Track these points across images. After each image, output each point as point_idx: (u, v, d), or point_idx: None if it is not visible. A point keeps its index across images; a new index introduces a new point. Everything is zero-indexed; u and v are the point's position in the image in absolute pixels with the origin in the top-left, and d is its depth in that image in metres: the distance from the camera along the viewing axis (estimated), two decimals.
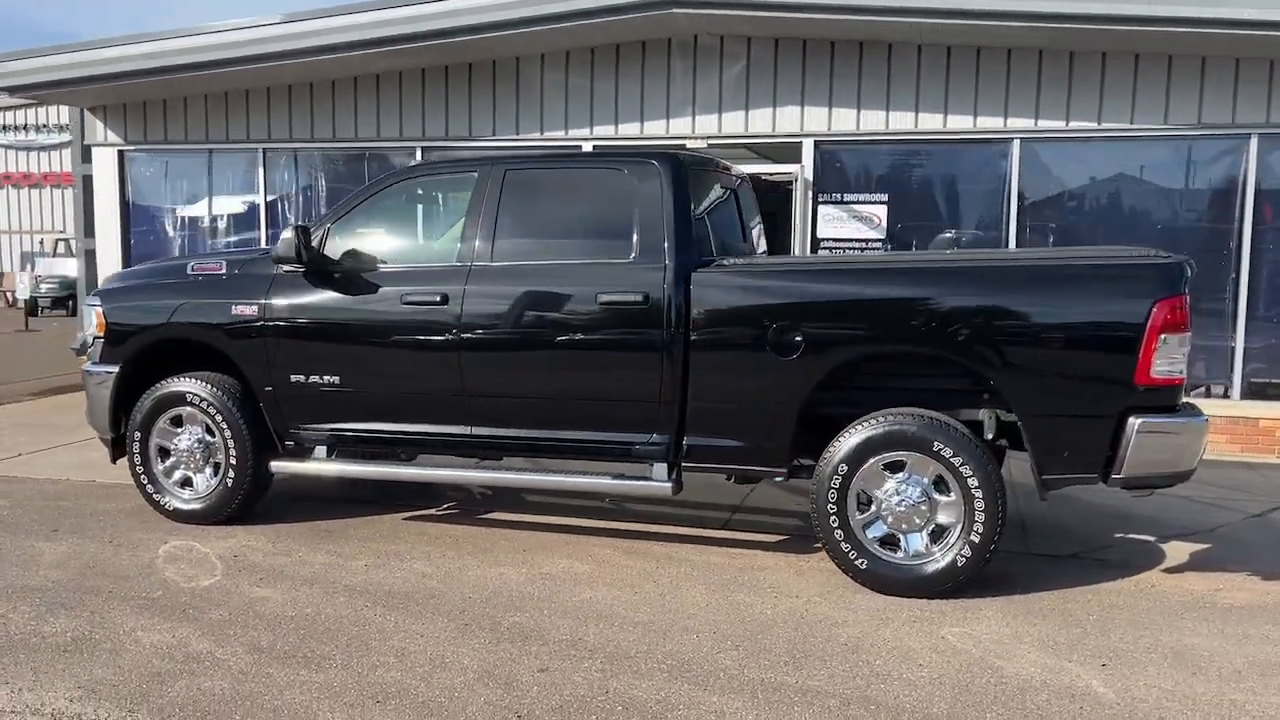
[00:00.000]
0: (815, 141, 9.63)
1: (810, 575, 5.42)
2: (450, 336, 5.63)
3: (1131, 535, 6.30)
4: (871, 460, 5.09)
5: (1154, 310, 4.75)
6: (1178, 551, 5.98)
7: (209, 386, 6.14)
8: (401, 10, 9.48)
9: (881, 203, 9.61)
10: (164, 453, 6.32)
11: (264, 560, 5.63)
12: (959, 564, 5.02)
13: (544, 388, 5.61)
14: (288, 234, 5.68)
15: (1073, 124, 9.07)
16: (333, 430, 6.02)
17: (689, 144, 9.89)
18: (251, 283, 6.05)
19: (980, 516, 4.97)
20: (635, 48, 9.94)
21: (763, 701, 3.94)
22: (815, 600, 5.06)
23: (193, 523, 6.27)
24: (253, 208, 11.27)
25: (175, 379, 6.22)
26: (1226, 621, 4.84)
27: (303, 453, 6.18)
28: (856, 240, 9.65)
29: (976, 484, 4.95)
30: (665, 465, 5.47)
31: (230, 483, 6.18)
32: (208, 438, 6.21)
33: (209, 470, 6.26)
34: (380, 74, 10.60)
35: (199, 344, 6.21)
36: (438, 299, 5.66)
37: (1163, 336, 4.75)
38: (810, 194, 9.67)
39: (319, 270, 5.87)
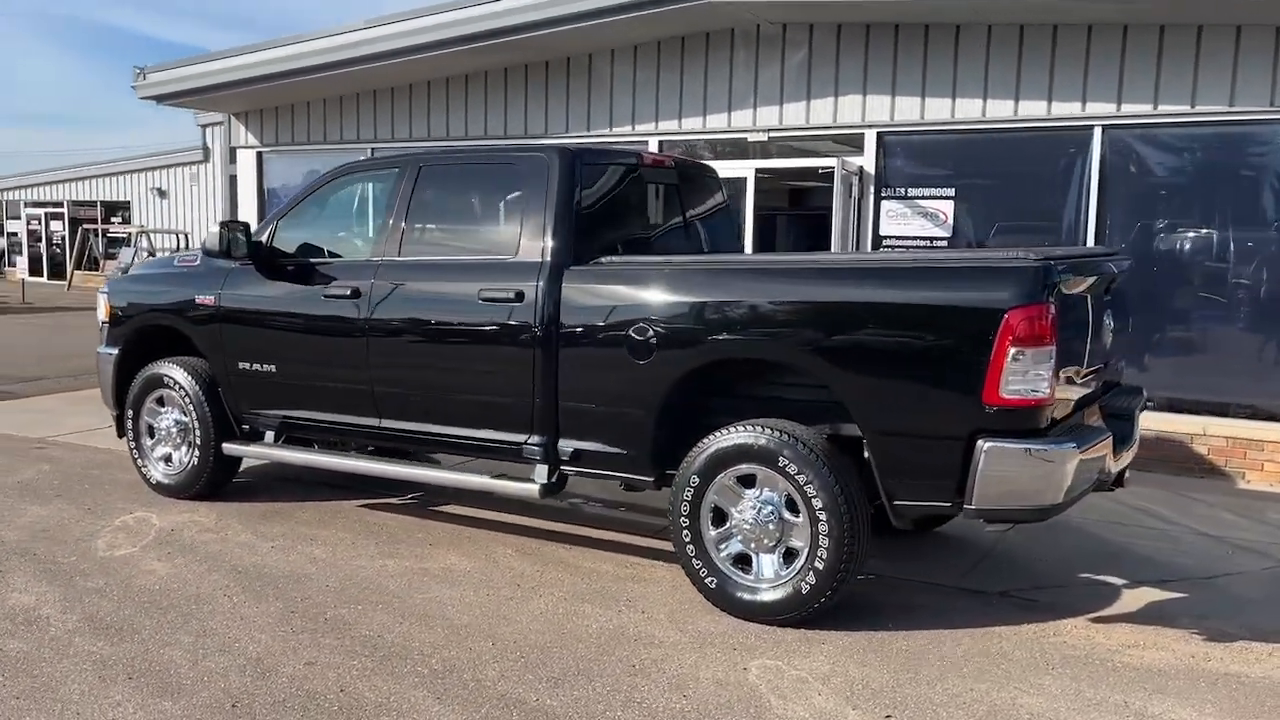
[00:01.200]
0: (878, 133, 9.05)
1: (684, 591, 5.13)
2: (359, 330, 5.77)
3: (1102, 576, 5.52)
4: (724, 473, 4.77)
5: (1005, 320, 4.15)
6: (1136, 599, 5.20)
7: (182, 371, 6.60)
8: (472, 10, 9.70)
9: (947, 198, 8.90)
10: (151, 430, 6.84)
11: (192, 535, 5.99)
12: (803, 591, 4.61)
13: (439, 385, 5.64)
14: (214, 229, 6.00)
15: (1162, 108, 8.03)
16: (274, 417, 6.31)
17: (750, 137, 9.58)
18: (213, 275, 6.44)
19: (825, 541, 4.53)
20: (699, 40, 9.72)
21: (478, 716, 3.80)
22: (656, 618, 4.80)
23: (170, 496, 6.76)
24: None
25: (160, 363, 6.72)
26: (1099, 684, 4.17)
27: (256, 437, 6.51)
28: (921, 238, 8.99)
29: (821, 505, 4.52)
30: (546, 467, 5.35)
31: (197, 461, 6.62)
32: (182, 418, 6.67)
33: (185, 449, 6.72)
34: (469, 75, 10.94)
35: (179, 331, 6.67)
36: (348, 293, 5.80)
37: (1015, 351, 4.14)
38: (872, 189, 9.09)
39: (263, 264, 6.16)
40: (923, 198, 9.00)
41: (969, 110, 8.63)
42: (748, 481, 4.75)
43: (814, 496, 4.52)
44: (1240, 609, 5.08)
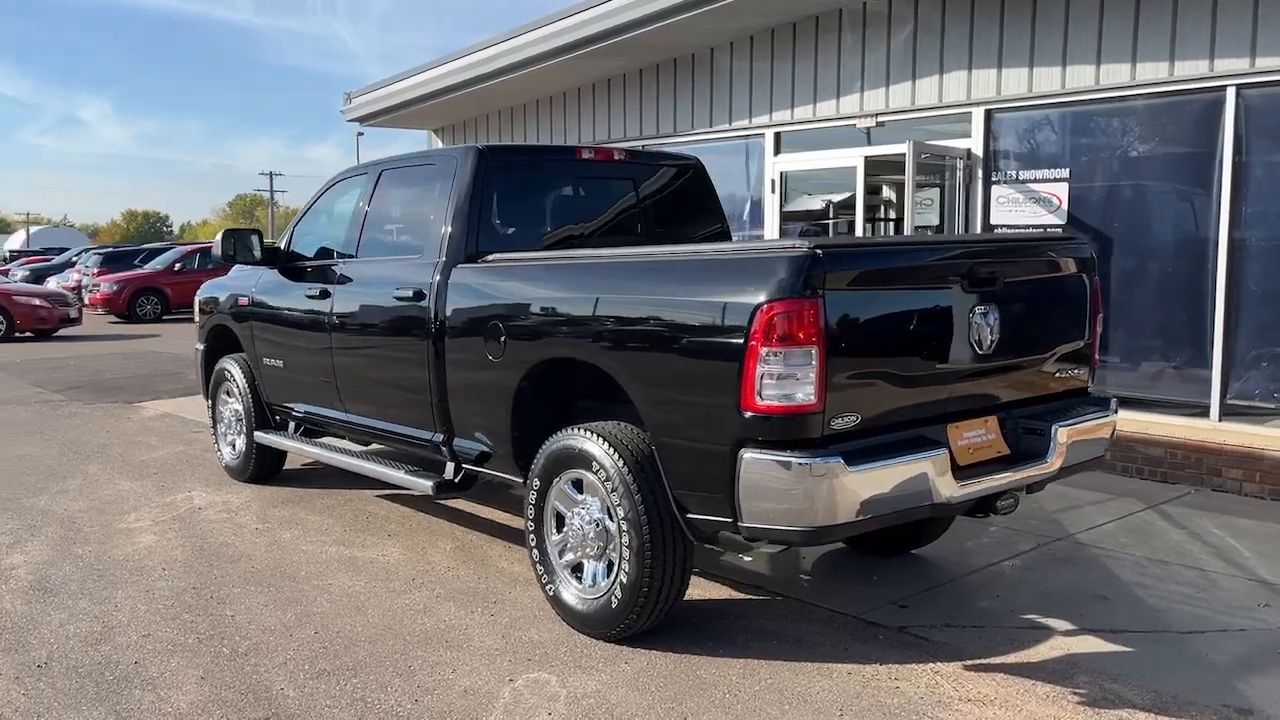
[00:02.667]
0: (986, 111, 8.16)
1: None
2: (326, 328, 6.13)
3: (1050, 619, 4.69)
4: (560, 477, 4.59)
5: (755, 318, 3.67)
6: (1053, 649, 4.38)
7: (235, 365, 7.32)
8: (588, 13, 9.85)
9: (1060, 180, 7.86)
10: (223, 418, 7.65)
11: (208, 515, 6.64)
12: (612, 606, 4.34)
13: (376, 381, 5.86)
14: (218, 236, 6.60)
15: None
16: (289, 409, 6.84)
17: (858, 124, 9.00)
18: (250, 278, 7.09)
19: (627, 554, 4.25)
20: (809, 24, 9.26)
21: (217, 697, 3.97)
22: (497, 624, 4.72)
23: (234, 478, 7.52)
24: None
25: (225, 358, 7.49)
26: None
27: (283, 427, 7.09)
28: (1034, 226, 8.00)
29: (623, 515, 4.25)
30: (452, 465, 5.42)
31: (244, 448, 7.32)
32: (237, 408, 7.41)
33: (241, 436, 7.45)
34: (611, 79, 11.10)
35: (230, 328, 7.39)
36: (318, 293, 6.18)
37: (766, 352, 3.65)
38: (981, 173, 8.22)
39: (273, 266, 6.71)
40: (1034, 181, 8.00)
41: (1081, 78, 7.56)
42: (580, 486, 4.55)
43: (617, 505, 4.25)
44: (1178, 673, 4.13)
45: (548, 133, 11.88)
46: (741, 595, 5.10)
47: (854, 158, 9.02)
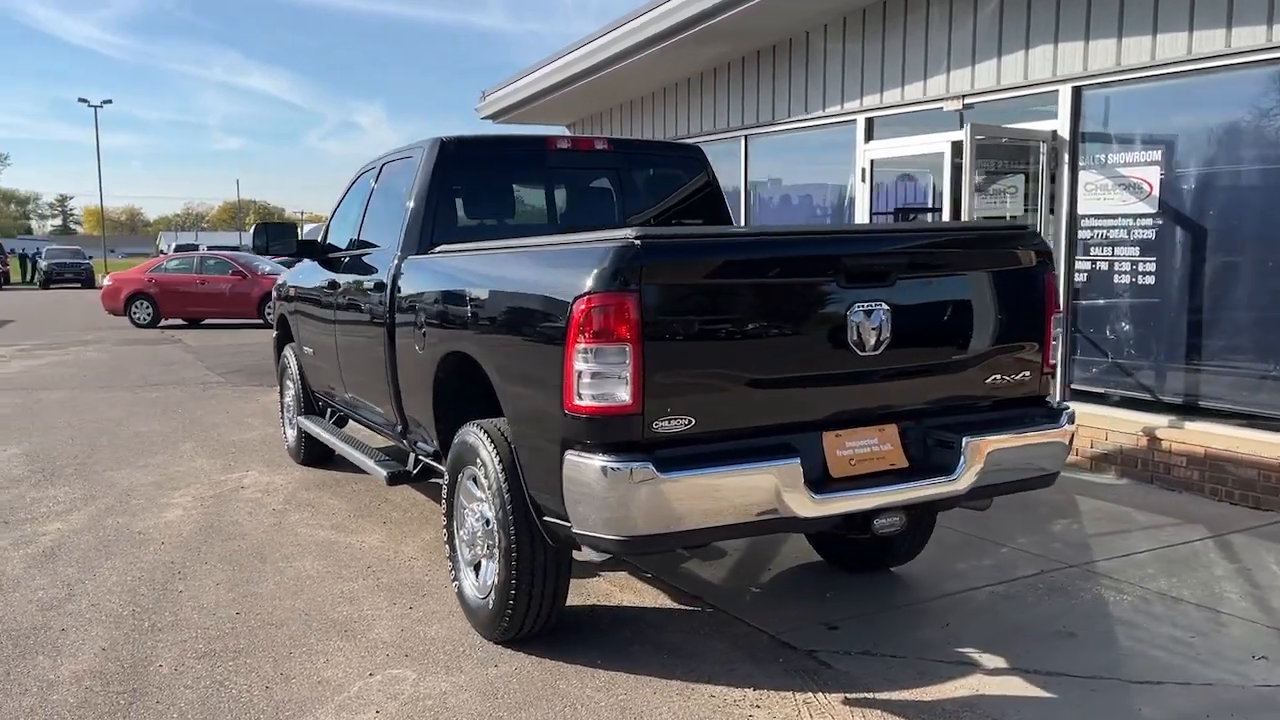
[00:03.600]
0: (1073, 88, 7.41)
1: None
2: (331, 318, 6.34)
3: (986, 655, 4.20)
4: (462, 472, 4.53)
5: (571, 312, 3.46)
6: (958, 689, 3.91)
7: (291, 353, 7.70)
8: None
9: (1151, 163, 7.03)
10: (284, 403, 8.08)
11: (247, 494, 7.01)
12: (490, 607, 4.25)
13: (359, 370, 5.98)
14: (254, 229, 6.92)
15: None
16: (323, 394, 7.12)
17: (945, 106, 8.39)
18: (300, 269, 7.43)
19: (498, 554, 4.15)
20: (898, 5, 8.71)
21: (80, 667, 4.19)
22: (405, 619, 4.73)
23: (294, 460, 7.92)
24: None
25: (287, 346, 7.89)
26: None
27: (324, 413, 7.39)
28: (1121, 216, 7.22)
29: (492, 514, 4.15)
30: (412, 455, 5.48)
31: (296, 432, 7.69)
32: (292, 393, 7.79)
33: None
34: (717, 68, 10.87)
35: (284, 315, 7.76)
36: (327, 284, 6.40)
37: (583, 349, 3.43)
38: (1067, 157, 7.48)
39: (316, 259, 6.99)
40: (1122, 165, 7.18)
41: (1172, 48, 6.71)
42: (478, 483, 4.47)
43: (489, 503, 4.16)
44: None
45: (661, 125, 11.77)
46: (672, 604, 4.86)
47: (941, 143, 8.39)
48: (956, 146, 8.35)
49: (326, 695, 3.89)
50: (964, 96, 8.17)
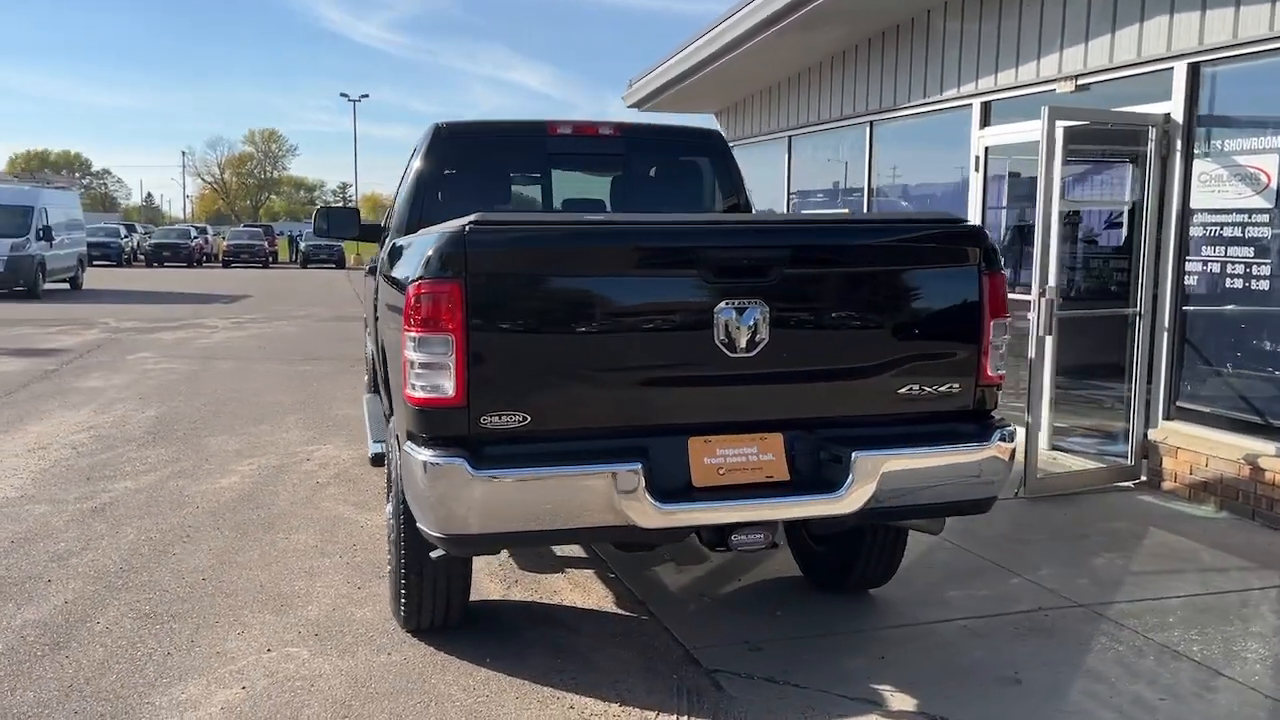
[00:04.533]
0: (1188, 65, 6.56)
1: None
2: (371, 297, 6.53)
3: (898, 694, 3.79)
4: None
5: (406, 299, 3.37)
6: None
7: (369, 336, 8.00)
8: None
9: (1270, 151, 6.13)
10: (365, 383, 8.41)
11: (304, 468, 7.34)
12: (391, 596, 4.25)
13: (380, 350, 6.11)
14: (316, 212, 7.19)
15: None
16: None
17: (1057, 88, 7.66)
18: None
19: (389, 544, 4.13)
20: None
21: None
22: (350, 598, 4.81)
23: None
24: (793, 192, 12.02)
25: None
26: None
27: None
28: (1235, 211, 6.34)
29: (391, 504, 4.14)
30: None
31: None
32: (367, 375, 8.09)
33: None
34: (845, 51, 10.39)
35: None
36: (370, 269, 6.59)
37: (413, 337, 3.30)
38: (1180, 144, 6.65)
39: (373, 240, 7.21)
40: (1239, 153, 6.29)
41: None
42: None
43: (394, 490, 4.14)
44: None
45: (793, 112, 11.38)
46: (613, 608, 4.68)
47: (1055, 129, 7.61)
48: (1069, 133, 7.57)
49: (213, 666, 3.99)
50: (1077, 77, 7.38)
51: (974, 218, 8.48)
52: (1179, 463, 6.52)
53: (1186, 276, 6.62)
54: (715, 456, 3.50)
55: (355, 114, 58.89)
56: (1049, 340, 6.56)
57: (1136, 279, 6.91)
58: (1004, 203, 8.50)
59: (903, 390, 3.65)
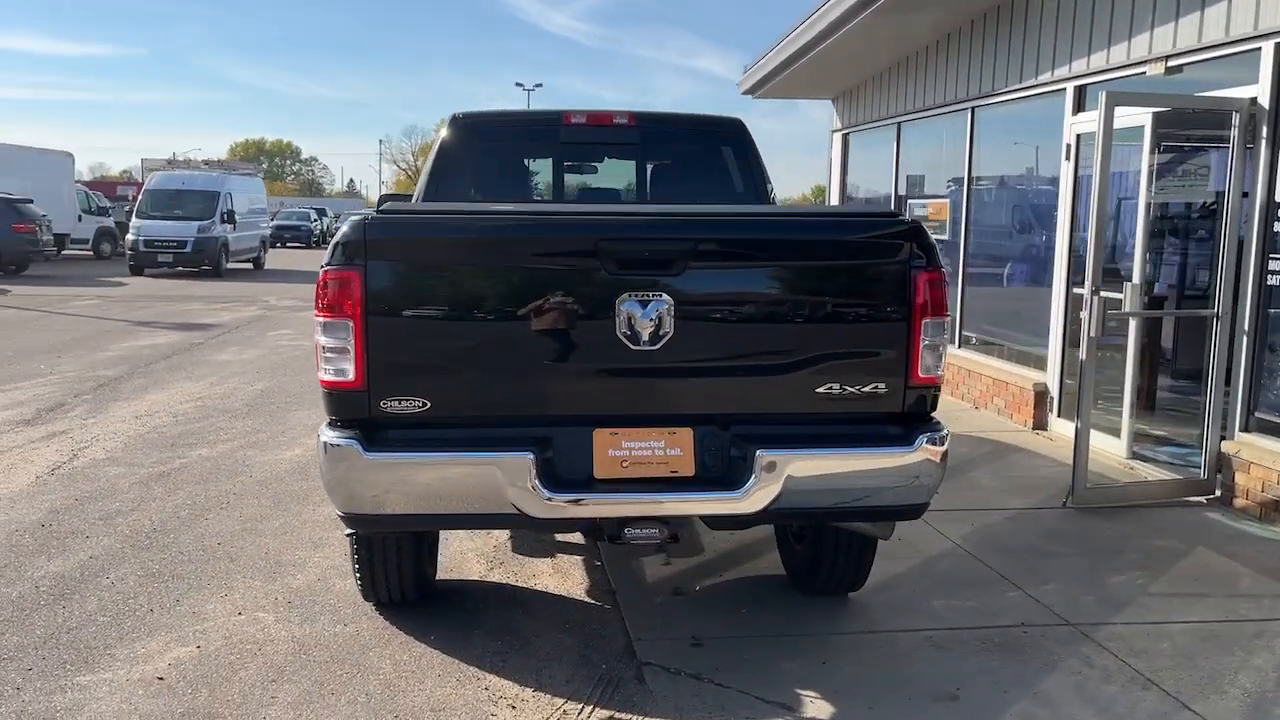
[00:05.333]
0: (1275, 45, 6.02)
1: None
2: None
3: (810, 698, 3.70)
4: None
5: (317, 284, 3.51)
6: None
7: None
8: None
9: None
10: None
11: None
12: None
13: None
14: (379, 200, 7.48)
15: None
16: None
17: (1148, 70, 7.18)
18: None
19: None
20: None
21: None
22: (342, 571, 5.04)
23: None
24: (897, 179, 11.67)
25: None
26: None
27: None
28: None
29: None
30: None
31: None
32: None
33: None
34: (951, 34, 10.00)
35: None
36: None
37: (318, 321, 3.43)
38: (1266, 132, 6.13)
39: None
40: None
41: None
42: None
43: None
44: None
45: (900, 98, 11.01)
46: (580, 595, 4.73)
47: (1140, 116, 7.12)
48: (1159, 118, 7.07)
49: (183, 625, 4.27)
50: (1166, 58, 6.86)
51: (1064, 210, 8.03)
52: (1252, 478, 6.01)
53: (1270, 276, 6.07)
54: (620, 449, 3.48)
55: (529, 103, 60.28)
56: (1129, 341, 6.14)
57: (1216, 278, 6.38)
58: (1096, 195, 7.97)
59: (822, 390, 3.53)
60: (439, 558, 4.87)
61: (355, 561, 4.18)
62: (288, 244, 44.26)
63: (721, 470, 3.50)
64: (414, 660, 3.96)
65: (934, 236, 3.56)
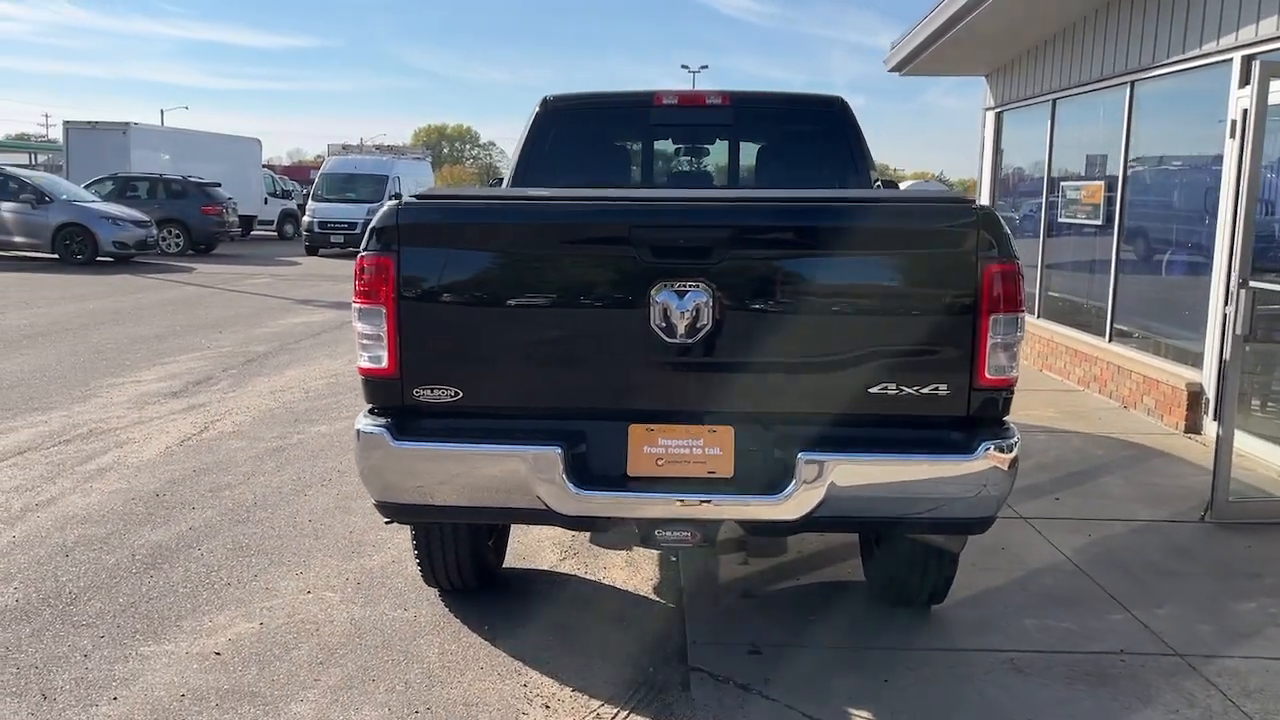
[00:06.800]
0: None
1: None
2: None
3: (848, 714, 3.47)
4: None
5: (354, 270, 3.49)
6: None
7: None
8: None
9: None
10: None
11: None
12: None
13: None
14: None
15: None
16: None
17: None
18: None
19: None
20: None
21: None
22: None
23: None
24: (1045, 162, 10.96)
25: None
26: None
27: None
28: None
29: None
30: None
31: None
32: None
33: None
34: (1110, 4, 9.29)
35: None
36: None
37: (355, 307, 3.41)
38: None
39: None
40: None
41: None
42: None
43: None
44: None
45: (1055, 72, 10.31)
46: (645, 592, 4.61)
47: None
48: None
49: (253, 600, 4.38)
50: None
51: (1227, 193, 7.30)
52: None
53: None
54: (656, 446, 3.32)
55: (694, 85, 59.93)
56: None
57: None
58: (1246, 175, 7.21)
59: (875, 389, 3.26)
60: (512, 545, 4.84)
61: (415, 547, 4.17)
62: None
63: (762, 473, 3.28)
64: (461, 650, 3.92)
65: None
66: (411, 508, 3.41)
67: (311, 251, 25.97)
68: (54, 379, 9.01)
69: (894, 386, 3.25)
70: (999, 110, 12.20)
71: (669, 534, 3.28)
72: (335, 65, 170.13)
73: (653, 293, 3.21)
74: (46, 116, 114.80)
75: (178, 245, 24.47)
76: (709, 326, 3.20)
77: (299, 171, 42.78)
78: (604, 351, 3.30)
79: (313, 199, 26.85)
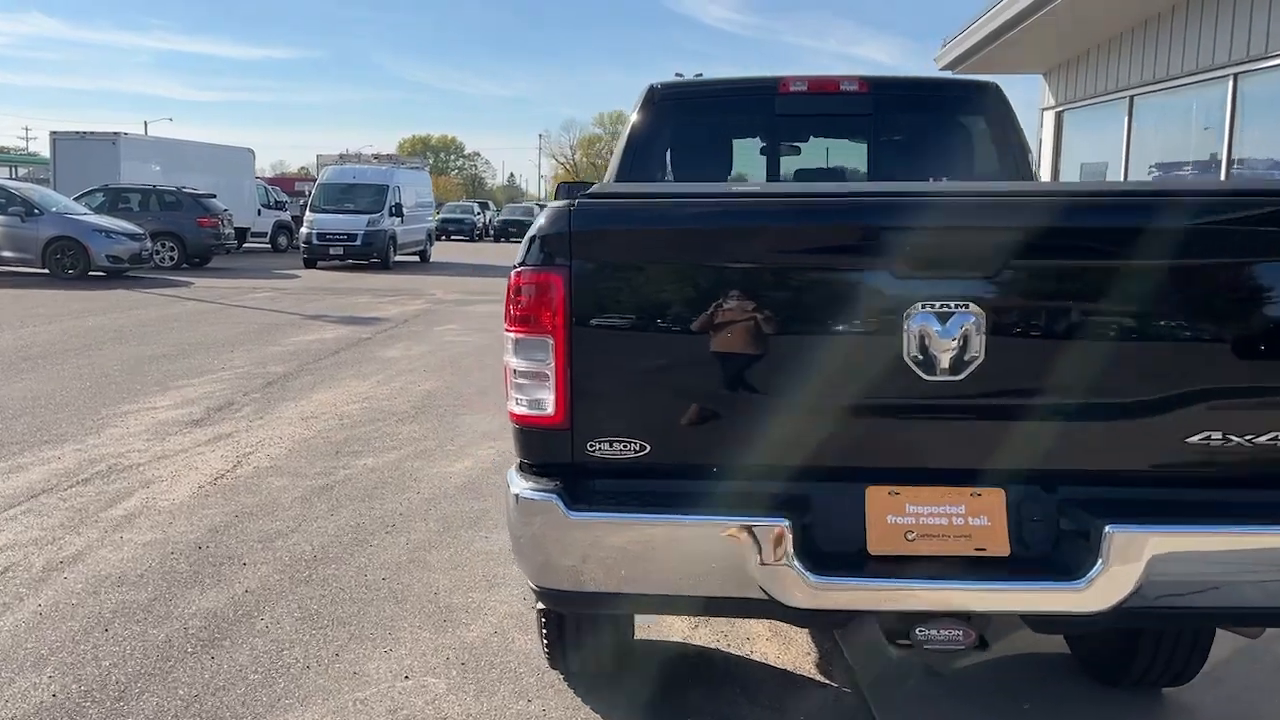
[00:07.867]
0: None
1: None
2: None
3: None
4: None
5: (508, 291, 2.72)
6: None
7: None
8: None
9: None
10: None
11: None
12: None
13: None
14: (556, 188, 6.75)
15: None
16: None
17: None
18: None
19: None
20: None
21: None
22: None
23: None
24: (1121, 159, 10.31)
25: None
26: None
27: None
28: None
29: None
30: None
31: None
32: None
33: None
34: (1162, 13, 8.65)
35: None
36: None
37: (509, 337, 2.66)
38: None
39: None
40: None
41: None
42: None
43: None
44: None
45: (1135, 66, 9.65)
46: (807, 670, 3.86)
47: None
48: None
49: (341, 690, 3.61)
50: None
51: None
52: None
53: None
54: (904, 515, 2.57)
55: None
56: None
57: None
58: None
59: (1196, 439, 2.52)
60: None
61: (543, 625, 3.41)
62: (451, 236, 45.28)
63: (1048, 549, 2.54)
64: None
65: None
66: (586, 596, 2.64)
67: (310, 264, 25.16)
68: (61, 406, 8.20)
69: (1219, 435, 2.51)
70: (1059, 109, 11.54)
71: (935, 633, 2.52)
72: (318, 77, 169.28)
73: (906, 315, 2.46)
74: (27, 129, 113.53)
75: (172, 259, 23.63)
76: (980, 358, 2.46)
77: (284, 183, 42.17)
78: (837, 392, 2.55)
79: (310, 210, 26.04)
